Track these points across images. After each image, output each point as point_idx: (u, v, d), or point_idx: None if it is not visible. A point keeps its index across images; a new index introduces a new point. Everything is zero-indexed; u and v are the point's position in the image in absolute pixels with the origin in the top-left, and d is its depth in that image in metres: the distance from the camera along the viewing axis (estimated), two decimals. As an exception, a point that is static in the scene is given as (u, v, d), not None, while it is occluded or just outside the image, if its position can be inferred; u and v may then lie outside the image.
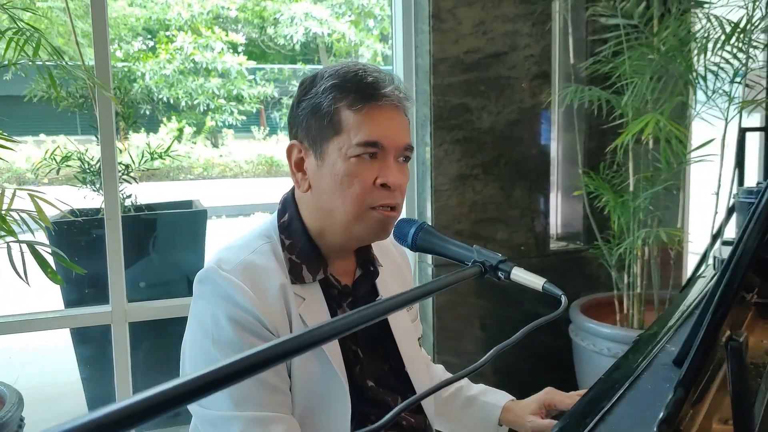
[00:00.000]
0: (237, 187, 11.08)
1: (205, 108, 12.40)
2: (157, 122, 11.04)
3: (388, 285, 1.27)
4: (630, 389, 0.71)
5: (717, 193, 2.47)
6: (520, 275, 0.97)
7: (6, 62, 2.06)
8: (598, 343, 2.54)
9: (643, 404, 0.68)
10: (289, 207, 1.18)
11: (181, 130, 11.33)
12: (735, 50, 2.42)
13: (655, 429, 0.51)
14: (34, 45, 2.05)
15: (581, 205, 3.04)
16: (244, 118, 12.88)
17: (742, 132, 2.58)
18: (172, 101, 11.89)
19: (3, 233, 1.72)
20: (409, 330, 1.29)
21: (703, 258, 2.85)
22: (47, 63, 2.09)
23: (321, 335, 0.60)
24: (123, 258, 2.50)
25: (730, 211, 2.69)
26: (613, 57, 2.58)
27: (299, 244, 1.15)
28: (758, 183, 1.34)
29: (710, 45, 2.43)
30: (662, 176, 2.47)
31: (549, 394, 1.28)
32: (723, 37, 2.41)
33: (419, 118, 2.79)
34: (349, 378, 1.13)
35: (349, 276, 1.22)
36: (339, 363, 1.12)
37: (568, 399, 1.25)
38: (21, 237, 1.82)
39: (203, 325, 1.08)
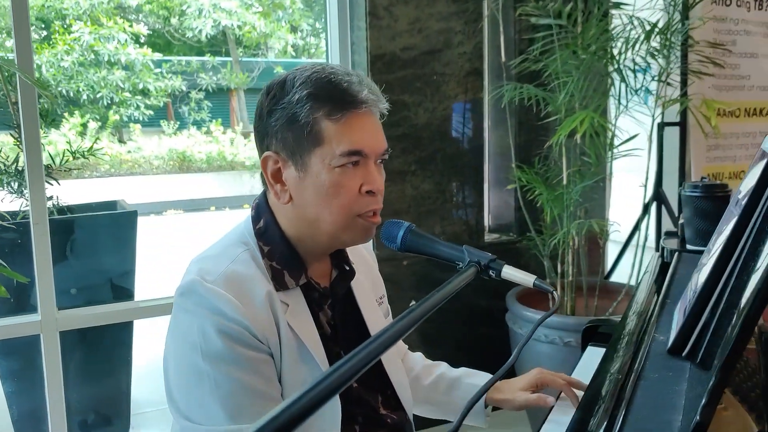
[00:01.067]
0: (147, 184, 10.65)
1: (109, 102, 11.85)
2: (58, 117, 10.45)
3: (361, 284, 1.28)
4: (640, 380, 0.76)
5: (644, 185, 2.63)
6: (511, 273, 1.01)
7: None
8: (536, 330, 2.64)
9: (656, 392, 0.73)
10: (263, 213, 1.16)
11: (84, 125, 10.76)
12: (654, 51, 2.57)
13: (697, 417, 0.55)
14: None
15: (512, 198, 3.15)
16: (152, 112, 12.40)
17: (661, 127, 2.76)
18: (72, 95, 11.27)
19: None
20: (383, 326, 1.30)
21: (626, 246, 3.03)
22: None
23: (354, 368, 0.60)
24: (52, 264, 2.37)
25: (650, 202, 2.88)
26: (541, 55, 2.68)
27: (278, 250, 1.14)
28: (702, 178, 1.44)
29: (632, 45, 2.58)
30: (591, 169, 2.60)
31: (541, 374, 1.32)
32: (642, 37, 2.56)
33: (357, 114, 2.79)
34: None
35: (326, 278, 1.22)
36: (325, 365, 1.12)
37: (560, 380, 1.30)
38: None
39: (190, 339, 1.05)
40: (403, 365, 1.45)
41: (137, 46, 12.40)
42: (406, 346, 1.51)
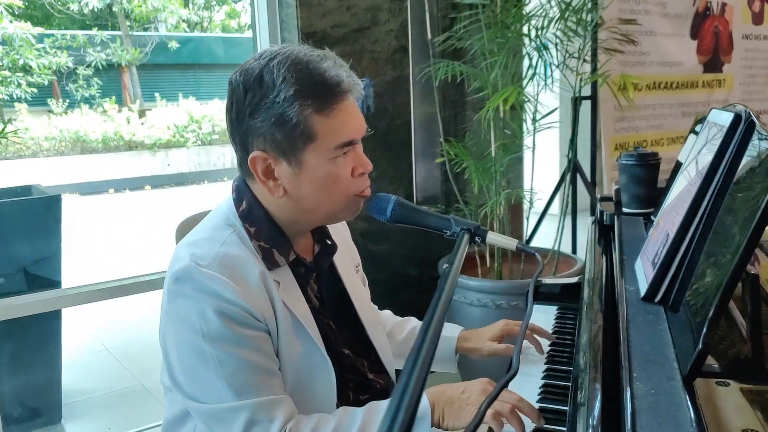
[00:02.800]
0: (38, 167, 10.02)
1: (-14, 80, 11.00)
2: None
3: (340, 254, 1.33)
4: (630, 323, 0.88)
5: (568, 155, 2.82)
6: (495, 238, 1.11)
7: None
8: (469, 295, 2.80)
9: (645, 332, 0.85)
10: (244, 195, 1.18)
11: (-38, 106, 9.95)
12: (569, 30, 2.75)
13: (700, 346, 0.67)
14: None
15: (438, 171, 3.28)
16: (36, 90, 11.62)
17: (577, 101, 2.96)
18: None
19: None
20: (364, 295, 1.38)
21: (544, 212, 3.24)
22: None
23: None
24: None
25: (566, 171, 3.09)
26: (464, 33, 2.80)
27: (264, 230, 1.16)
28: (636, 148, 1.60)
29: (547, 24, 2.74)
30: (516, 142, 2.76)
31: (507, 325, 1.43)
32: (557, 17, 2.73)
33: (288, 92, 2.81)
34: (328, 350, 1.19)
35: (309, 252, 1.27)
36: (318, 338, 1.17)
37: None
38: None
39: (190, 323, 1.07)
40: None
41: (13, 19, 11.54)
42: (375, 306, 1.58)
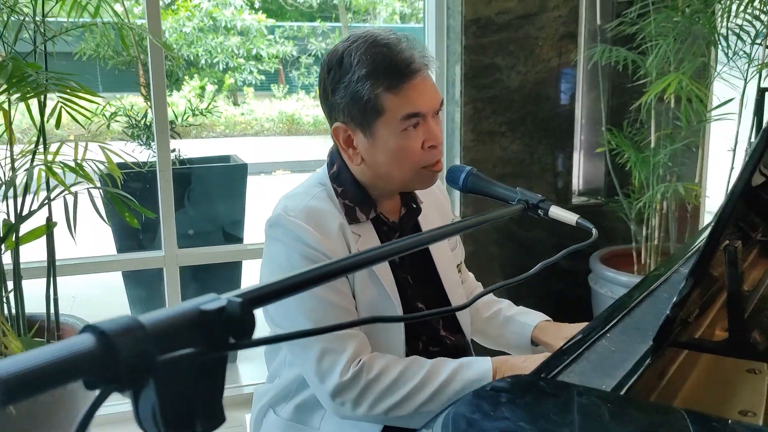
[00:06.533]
0: (258, 145, 11.23)
1: (225, 66, 12.49)
2: (179, 79, 11.15)
3: (429, 219, 1.44)
4: (649, 296, 0.88)
5: (733, 150, 2.60)
6: (557, 212, 1.14)
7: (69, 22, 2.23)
8: (617, 291, 2.71)
9: (661, 304, 0.85)
10: (336, 159, 1.34)
11: (203, 88, 11.43)
12: (758, 12, 2.52)
13: (668, 311, 0.68)
14: (94, 6, 2.23)
15: (602, 162, 3.18)
16: (264, 78, 12.95)
17: (761, 92, 2.69)
18: (192, 59, 11.97)
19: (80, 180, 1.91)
20: (448, 257, 1.46)
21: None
22: (106, 23, 2.26)
23: (374, 257, 0.70)
24: (174, 208, 2.70)
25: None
26: (638, 18, 2.68)
27: (350, 191, 1.32)
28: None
29: (734, 7, 2.53)
30: (682, 134, 2.60)
31: None
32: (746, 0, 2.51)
33: (449, 76, 2.93)
34: (402, 302, 1.31)
35: (396, 213, 1.40)
36: (392, 288, 1.31)
37: None
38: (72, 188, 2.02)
39: (279, 262, 1.27)
40: (467, 295, 1.59)
41: (252, 12, 12.95)
42: (471, 275, 1.65)
